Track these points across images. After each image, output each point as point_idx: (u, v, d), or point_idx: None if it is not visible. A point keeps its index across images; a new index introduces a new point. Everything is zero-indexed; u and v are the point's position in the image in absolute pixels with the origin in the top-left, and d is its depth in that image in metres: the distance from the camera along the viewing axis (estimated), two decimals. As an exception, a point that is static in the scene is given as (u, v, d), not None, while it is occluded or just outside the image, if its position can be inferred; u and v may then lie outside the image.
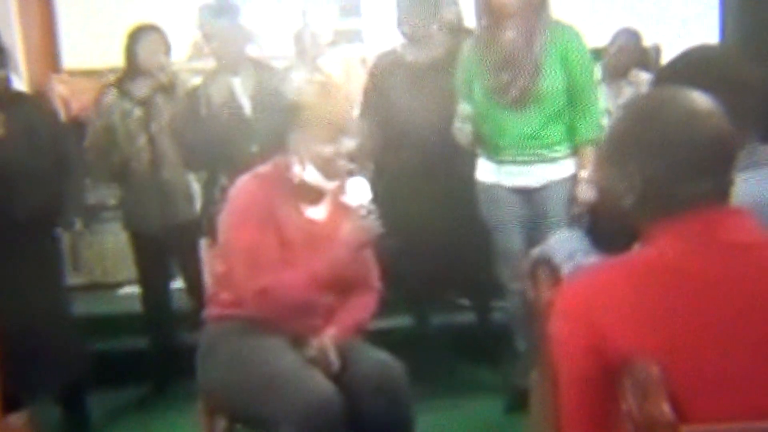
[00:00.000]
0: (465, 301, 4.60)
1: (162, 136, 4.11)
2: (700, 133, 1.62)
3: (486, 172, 3.77)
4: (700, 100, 1.66)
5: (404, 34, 4.21)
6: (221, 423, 2.84)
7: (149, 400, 4.24)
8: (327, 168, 2.80)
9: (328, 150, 2.77)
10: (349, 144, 2.81)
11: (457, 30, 4.71)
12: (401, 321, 4.39)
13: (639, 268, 1.64)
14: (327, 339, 2.75)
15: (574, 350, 1.65)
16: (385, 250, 3.78)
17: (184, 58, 6.30)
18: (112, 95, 4.14)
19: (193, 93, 4.02)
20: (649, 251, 1.66)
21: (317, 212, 2.89)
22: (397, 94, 4.16)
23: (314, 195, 2.87)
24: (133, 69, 4.14)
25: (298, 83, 2.91)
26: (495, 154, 3.71)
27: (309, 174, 2.80)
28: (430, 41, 4.18)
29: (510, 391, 3.82)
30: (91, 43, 6.37)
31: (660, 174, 1.63)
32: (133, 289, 4.73)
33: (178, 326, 4.30)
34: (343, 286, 2.86)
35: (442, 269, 4.19)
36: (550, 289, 2.20)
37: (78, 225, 3.94)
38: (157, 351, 4.33)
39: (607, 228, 2.14)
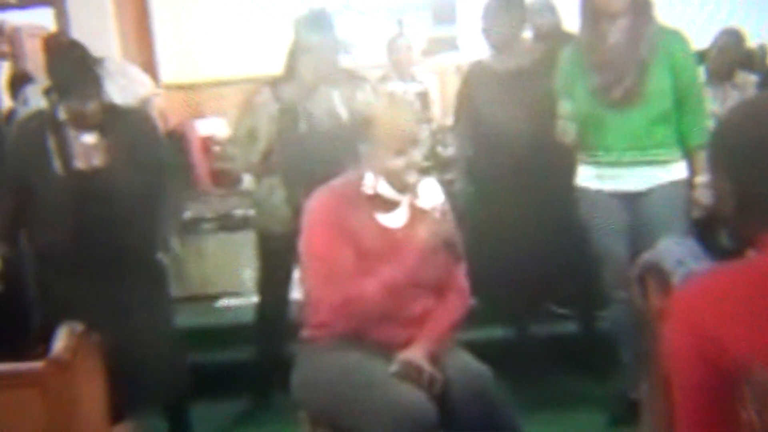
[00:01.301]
0: (565, 311, 4.56)
1: (310, 140, 4.07)
2: None
3: (586, 177, 3.74)
4: None
5: (490, 43, 4.24)
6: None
7: (253, 413, 4.29)
8: (397, 180, 2.85)
9: (398, 162, 2.82)
10: (417, 156, 2.86)
11: (551, 36, 4.74)
12: (501, 332, 4.40)
13: (754, 275, 1.61)
14: (414, 353, 2.75)
15: (688, 358, 1.62)
16: (483, 258, 3.83)
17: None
18: (265, 95, 4.17)
19: (291, 108, 4.04)
20: (763, 257, 1.63)
21: (393, 219, 2.92)
22: (487, 104, 4.20)
23: (390, 203, 2.91)
24: (290, 77, 4.10)
25: (367, 97, 2.96)
26: (597, 156, 3.68)
27: (381, 187, 2.86)
28: (518, 49, 4.20)
29: (615, 403, 3.77)
30: (186, 58, 6.55)
31: (762, 181, 1.60)
32: (231, 302, 4.82)
33: (289, 338, 4.33)
34: (430, 290, 2.88)
35: (540, 278, 4.17)
36: (660, 296, 2.19)
37: (176, 248, 3.89)
38: (264, 362, 4.35)
39: (722, 234, 2.12)
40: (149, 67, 6.63)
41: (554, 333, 4.51)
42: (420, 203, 2.91)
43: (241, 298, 5.01)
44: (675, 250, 2.20)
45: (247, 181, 4.86)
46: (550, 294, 4.43)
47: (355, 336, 2.81)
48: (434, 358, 2.78)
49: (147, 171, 3.63)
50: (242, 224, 5.16)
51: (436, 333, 2.85)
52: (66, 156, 3.53)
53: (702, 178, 3.52)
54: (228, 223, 5.49)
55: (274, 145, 4.07)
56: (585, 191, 3.75)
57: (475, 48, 6.40)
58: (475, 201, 4.38)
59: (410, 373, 2.71)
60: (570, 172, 3.86)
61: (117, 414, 2.74)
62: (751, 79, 4.80)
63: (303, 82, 3.99)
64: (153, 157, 3.71)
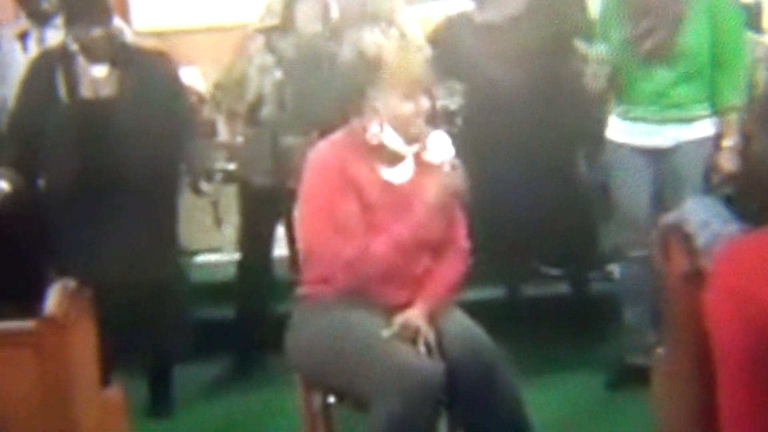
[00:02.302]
0: (557, 271, 4.52)
1: (294, 101, 4.06)
2: None
3: (615, 130, 3.72)
4: None
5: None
6: (318, 398, 2.84)
7: (240, 374, 4.25)
8: (406, 128, 2.78)
9: (407, 107, 2.75)
10: (427, 103, 2.79)
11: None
12: (491, 293, 4.34)
13: None
14: (413, 314, 2.72)
15: (730, 322, 1.60)
16: (473, 215, 3.79)
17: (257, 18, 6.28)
18: (258, 44, 4.09)
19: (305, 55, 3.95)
20: None
21: (399, 174, 2.86)
22: (473, 56, 4.09)
23: (394, 156, 2.84)
24: (287, 28, 4.06)
25: (377, 38, 2.88)
26: (624, 109, 3.66)
27: (387, 136, 2.78)
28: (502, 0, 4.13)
29: (612, 366, 3.77)
30: (159, 3, 6.38)
31: None
32: (210, 258, 4.75)
33: (272, 296, 4.28)
34: (431, 249, 2.84)
35: (533, 236, 4.11)
36: (683, 258, 2.15)
37: (208, 188, 3.93)
38: (247, 322, 4.31)
39: (756, 197, 2.08)
40: (122, 13, 6.48)
41: (546, 294, 4.48)
42: (428, 157, 2.84)
43: (220, 254, 4.92)
44: (700, 211, 2.15)
45: (224, 132, 4.75)
46: (543, 253, 4.36)
47: (356, 294, 2.76)
48: (433, 319, 2.75)
49: (160, 110, 3.63)
50: (220, 178, 5.06)
51: (436, 294, 2.82)
52: (72, 85, 3.57)
53: (730, 141, 3.49)
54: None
55: (266, 95, 3.99)
56: (611, 143, 3.74)
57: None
58: (465, 154, 4.31)
59: (408, 335, 2.68)
60: (565, 126, 3.82)
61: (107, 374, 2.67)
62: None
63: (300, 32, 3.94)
64: (167, 97, 3.72)
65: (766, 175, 1.72)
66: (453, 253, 2.91)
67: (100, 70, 3.58)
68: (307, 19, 4.01)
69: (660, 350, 2.34)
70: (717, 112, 3.55)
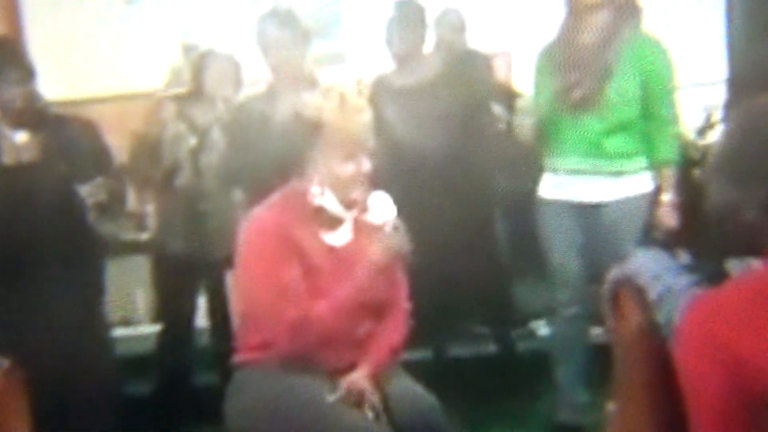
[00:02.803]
0: (484, 330, 4.52)
1: (210, 168, 4.03)
2: None
3: (545, 186, 3.70)
4: None
5: (393, 56, 4.21)
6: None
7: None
8: (346, 190, 2.76)
9: (348, 169, 2.73)
10: (367, 166, 2.77)
11: (455, 49, 4.75)
12: (417, 354, 4.28)
13: None
14: (358, 378, 2.70)
15: (709, 379, 1.58)
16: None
17: (162, 85, 6.22)
18: (169, 113, 4.03)
19: (248, 113, 3.89)
20: None
21: (339, 237, 2.83)
22: (392, 119, 4.14)
23: (335, 219, 2.81)
24: (197, 93, 4.06)
25: (316, 98, 2.85)
26: (555, 163, 3.65)
27: (327, 199, 2.76)
28: (420, 62, 4.18)
29: (545, 426, 3.78)
30: (61, 73, 6.26)
31: None
32: (123, 331, 4.62)
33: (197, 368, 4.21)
34: (373, 311, 2.82)
35: (457, 296, 4.12)
36: (636, 312, 2.15)
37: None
38: (171, 395, 4.17)
39: (707, 249, 2.10)
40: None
41: (473, 354, 4.47)
42: (370, 218, 2.83)
43: (134, 327, 4.78)
44: (651, 264, 2.15)
45: (133, 201, 4.67)
46: (467, 312, 4.36)
47: (299, 358, 2.70)
48: (378, 382, 2.72)
49: (85, 176, 3.53)
50: (130, 249, 4.95)
51: (380, 356, 2.79)
52: None
53: (668, 196, 3.50)
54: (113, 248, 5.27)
55: (181, 162, 3.92)
56: (542, 201, 3.72)
57: (363, 62, 6.40)
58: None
59: (354, 399, 2.65)
60: (482, 186, 3.84)
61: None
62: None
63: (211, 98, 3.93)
64: (93, 164, 3.62)
65: (721, 226, 1.72)
66: (395, 315, 2.89)
67: (21, 136, 3.49)
68: (218, 84, 4.02)
69: (610, 405, 2.32)
70: (651, 166, 3.55)
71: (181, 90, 4.23)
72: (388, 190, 4.13)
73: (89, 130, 3.79)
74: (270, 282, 2.69)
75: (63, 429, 3.19)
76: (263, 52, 3.83)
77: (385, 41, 4.28)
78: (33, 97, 3.55)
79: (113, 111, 5.25)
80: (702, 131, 4.73)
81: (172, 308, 4.22)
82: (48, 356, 3.19)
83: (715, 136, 4.75)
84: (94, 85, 6.01)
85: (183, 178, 4.02)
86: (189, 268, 4.04)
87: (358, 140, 2.76)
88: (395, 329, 2.88)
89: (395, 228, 2.81)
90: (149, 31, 6.53)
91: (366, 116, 2.78)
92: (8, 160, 3.48)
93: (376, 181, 4.18)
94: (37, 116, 3.55)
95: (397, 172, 4.09)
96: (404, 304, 2.93)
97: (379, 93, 4.24)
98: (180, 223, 4.08)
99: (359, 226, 2.84)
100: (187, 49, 6.91)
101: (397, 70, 4.26)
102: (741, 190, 1.64)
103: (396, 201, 4.06)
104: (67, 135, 3.59)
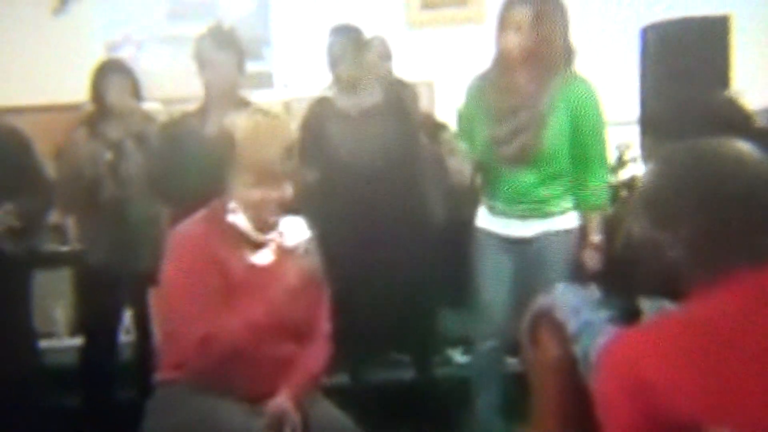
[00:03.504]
0: (403, 357, 4.55)
1: (131, 180, 4.01)
2: (755, 183, 1.62)
3: (480, 218, 3.68)
4: (745, 147, 1.66)
5: (341, 82, 4.25)
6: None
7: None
8: (257, 213, 2.77)
9: (255, 194, 2.73)
10: (278, 192, 2.75)
11: (386, 79, 4.81)
12: (334, 379, 4.29)
13: (697, 326, 1.60)
14: (279, 403, 2.67)
15: (624, 411, 1.61)
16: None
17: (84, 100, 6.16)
18: (81, 133, 4.00)
19: (179, 129, 3.88)
20: (703, 308, 1.64)
21: (261, 257, 2.83)
22: (335, 142, 4.19)
23: (257, 239, 2.82)
24: (101, 109, 4.05)
25: (239, 119, 2.85)
26: (490, 204, 3.62)
27: (239, 219, 2.78)
28: (365, 89, 4.24)
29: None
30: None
31: (714, 228, 1.62)
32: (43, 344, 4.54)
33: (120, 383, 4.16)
34: (292, 335, 2.80)
35: (379, 321, 4.13)
36: (553, 346, 2.21)
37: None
38: (92, 410, 4.13)
39: (619, 284, 2.17)
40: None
41: (391, 379, 4.48)
42: (284, 241, 2.82)
43: (54, 340, 4.71)
44: (570, 298, 2.21)
45: (54, 214, 4.61)
46: (389, 339, 4.39)
47: (213, 379, 2.67)
48: (299, 407, 2.70)
49: (11, 186, 3.52)
50: (50, 261, 4.89)
51: (300, 381, 2.77)
52: None
53: (594, 239, 3.48)
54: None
55: (100, 177, 3.91)
56: (477, 231, 3.68)
57: (291, 84, 6.43)
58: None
59: (275, 425, 2.64)
60: (418, 215, 3.86)
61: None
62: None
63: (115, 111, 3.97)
64: (19, 174, 3.59)
65: (643, 265, 1.79)
66: (316, 340, 2.88)
67: None
68: (118, 96, 4.04)
69: (527, 435, 2.38)
70: (579, 210, 3.53)
71: (89, 110, 4.19)
72: (325, 207, 4.20)
73: (17, 139, 3.76)
74: (186, 296, 2.68)
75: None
76: (199, 69, 3.84)
77: (329, 65, 4.30)
78: None
79: (39, 121, 5.17)
80: (614, 169, 4.84)
81: (94, 321, 4.17)
82: None
83: (626, 174, 4.88)
84: (20, 94, 5.90)
85: (104, 192, 3.99)
86: (112, 280, 4.02)
87: (268, 167, 2.73)
88: (316, 354, 2.86)
89: (307, 251, 2.79)
90: (75, 42, 6.45)
91: (281, 143, 2.75)
92: None
93: (310, 199, 4.26)
94: None
95: (335, 191, 4.15)
96: (325, 329, 2.92)
97: (322, 114, 4.28)
98: (103, 235, 4.06)
99: (279, 249, 2.84)
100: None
101: (341, 93, 4.28)
102: (664, 231, 1.69)
103: (333, 222, 4.13)
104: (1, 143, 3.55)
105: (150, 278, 3.56)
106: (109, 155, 4.00)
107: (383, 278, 4.07)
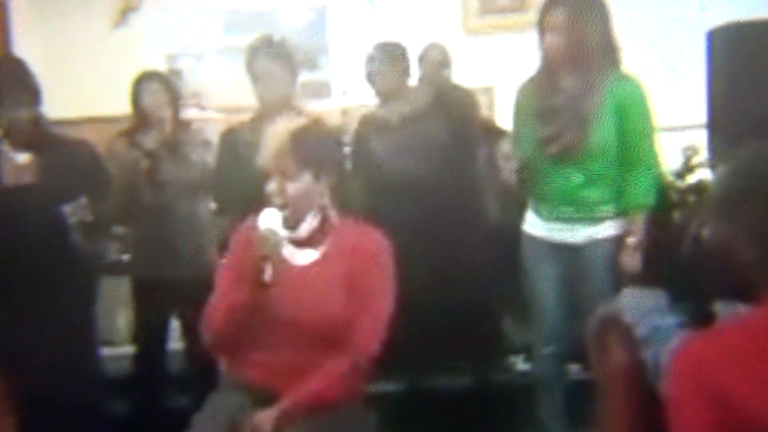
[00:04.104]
0: (462, 364, 4.50)
1: (168, 188, 4.03)
2: None
3: (528, 223, 3.67)
4: None
5: (375, 91, 4.27)
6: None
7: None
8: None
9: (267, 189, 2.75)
10: (274, 187, 2.74)
11: (439, 83, 4.80)
12: (393, 385, 4.29)
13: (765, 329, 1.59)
14: (265, 418, 2.60)
15: (696, 416, 1.60)
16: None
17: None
18: (120, 144, 4.07)
19: (234, 140, 3.90)
20: None
21: (301, 256, 2.81)
22: (380, 154, 4.21)
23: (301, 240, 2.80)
24: (140, 119, 4.10)
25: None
26: (537, 206, 3.61)
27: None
28: (404, 97, 4.23)
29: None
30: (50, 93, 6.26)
31: None
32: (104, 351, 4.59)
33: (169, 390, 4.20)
34: (316, 342, 2.69)
35: (438, 328, 4.08)
36: (621, 351, 2.17)
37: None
38: (143, 418, 4.15)
39: (689, 288, 2.13)
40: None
41: (450, 387, 4.43)
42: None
43: (115, 348, 4.75)
44: (638, 303, 2.18)
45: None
46: (448, 346, 4.34)
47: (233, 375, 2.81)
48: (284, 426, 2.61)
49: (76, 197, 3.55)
50: (113, 269, 4.94)
51: (301, 398, 2.65)
52: None
53: (634, 240, 3.44)
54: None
55: (139, 187, 3.97)
56: (527, 237, 3.67)
57: (348, 94, 6.44)
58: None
59: None
60: (468, 218, 3.84)
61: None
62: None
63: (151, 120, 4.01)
64: (89, 185, 3.64)
65: (716, 267, 1.75)
66: (345, 352, 2.70)
67: (22, 157, 3.47)
68: (154, 107, 4.06)
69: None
70: (622, 211, 3.48)
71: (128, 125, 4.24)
72: (374, 221, 4.19)
73: (87, 152, 3.82)
74: (225, 285, 2.79)
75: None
76: (252, 81, 3.84)
77: (366, 79, 4.32)
78: (38, 119, 3.56)
79: (100, 132, 5.23)
80: (681, 174, 4.77)
81: (142, 329, 4.22)
82: (37, 372, 3.16)
83: (694, 178, 4.80)
84: (82, 106, 6.00)
85: (143, 201, 4.03)
86: (156, 288, 4.06)
87: (265, 162, 2.75)
88: (325, 375, 2.68)
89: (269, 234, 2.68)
90: (135, 54, 6.53)
91: (280, 141, 2.74)
92: (9, 180, 3.47)
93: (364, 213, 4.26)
94: (40, 138, 3.56)
95: (383, 204, 4.13)
96: (361, 342, 2.73)
97: (366, 129, 4.30)
98: (145, 244, 4.12)
99: (328, 251, 2.82)
100: (172, 74, 6.95)
101: (381, 105, 4.30)
102: (738, 232, 1.67)
103: (384, 232, 4.11)
104: (66, 156, 3.60)
105: (193, 285, 3.62)
106: (145, 163, 4.02)
107: (441, 285, 4.01)
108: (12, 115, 3.46)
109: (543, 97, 3.48)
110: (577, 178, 3.45)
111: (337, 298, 2.72)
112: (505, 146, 3.64)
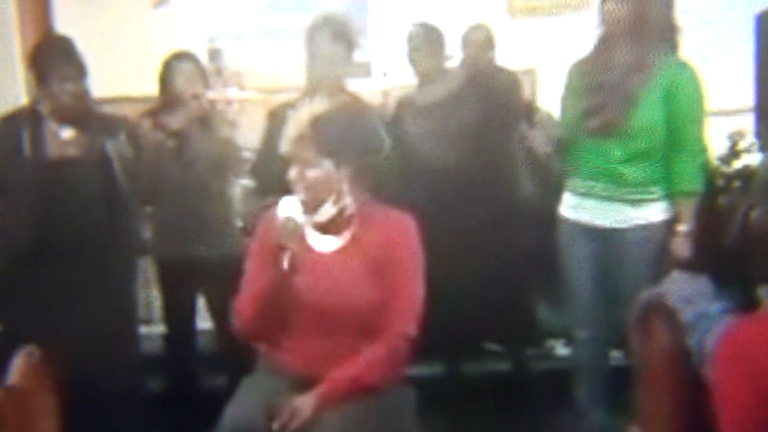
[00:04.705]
0: (497, 347, 4.49)
1: (196, 166, 4.04)
2: None
3: (565, 206, 3.65)
4: None
5: (415, 72, 4.25)
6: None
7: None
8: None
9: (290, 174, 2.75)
10: (294, 173, 2.73)
11: (481, 65, 4.77)
12: (429, 369, 4.27)
13: None
14: (304, 405, 2.59)
15: (742, 401, 1.60)
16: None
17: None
18: (145, 124, 4.07)
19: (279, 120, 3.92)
20: None
21: (327, 243, 2.81)
22: (416, 136, 4.17)
23: (325, 225, 2.80)
24: (167, 99, 4.10)
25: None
26: (576, 184, 3.60)
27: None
28: (442, 78, 4.21)
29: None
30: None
31: None
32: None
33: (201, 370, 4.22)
34: (349, 326, 2.70)
35: (475, 312, 4.04)
36: (666, 336, 2.15)
37: None
38: (177, 396, 4.17)
39: (735, 273, 2.10)
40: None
41: (487, 371, 4.41)
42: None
43: (152, 326, 4.78)
44: (683, 288, 2.16)
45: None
46: (485, 331, 4.33)
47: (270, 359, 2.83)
48: (323, 410, 2.60)
49: (122, 174, 3.58)
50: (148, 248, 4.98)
51: (337, 383, 2.64)
52: (38, 146, 3.49)
53: (686, 227, 3.41)
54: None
55: (166, 166, 3.94)
56: (562, 220, 3.66)
57: (389, 75, 6.43)
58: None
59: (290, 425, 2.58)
60: (506, 201, 3.82)
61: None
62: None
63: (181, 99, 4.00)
64: (130, 163, 3.62)
65: (763, 250, 1.73)
66: (382, 339, 2.70)
67: (67, 132, 3.53)
68: (186, 86, 4.04)
69: (633, 429, 2.31)
70: (670, 195, 3.46)
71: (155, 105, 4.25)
72: (412, 204, 4.18)
73: (131, 129, 3.79)
74: (254, 269, 2.82)
75: (88, 422, 3.18)
76: (309, 58, 3.83)
77: (408, 60, 4.31)
78: (83, 95, 3.57)
79: (138, 112, 5.28)
80: (727, 159, 4.72)
81: (171, 309, 4.24)
82: (77, 348, 3.17)
83: (740, 163, 4.75)
84: (122, 85, 6.04)
85: (169, 181, 3.98)
86: (183, 269, 4.07)
87: (286, 148, 2.76)
88: (371, 358, 2.68)
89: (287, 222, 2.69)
90: (175, 34, 6.56)
91: (299, 126, 2.74)
92: (53, 154, 3.52)
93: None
94: (84, 113, 3.58)
95: (417, 187, 4.11)
96: (400, 330, 2.73)
97: (401, 111, 4.29)
98: (171, 224, 4.09)
99: (355, 236, 2.81)
100: (213, 54, 6.98)
101: (420, 87, 4.28)
102: None
103: (422, 216, 4.10)
104: (111, 133, 3.61)
105: (220, 265, 3.60)
106: (172, 143, 4.03)
107: (477, 267, 3.99)
108: (58, 90, 3.47)
109: (593, 73, 3.48)
110: (618, 154, 3.42)
111: (364, 285, 2.72)
112: (546, 128, 3.60)
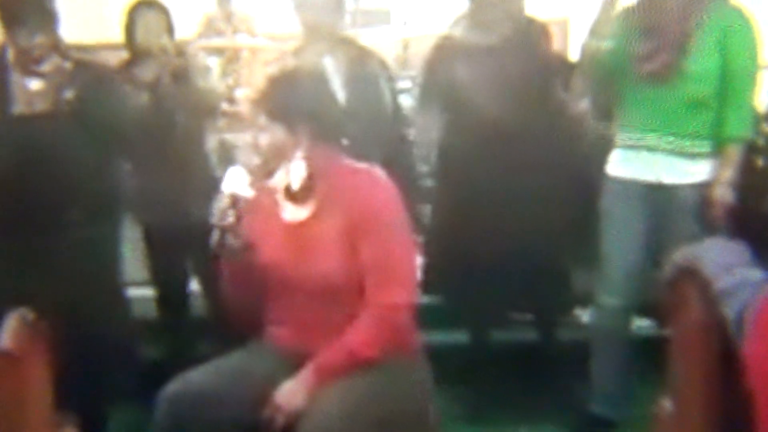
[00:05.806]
0: (526, 317, 4.43)
1: (174, 121, 4.01)
2: None
3: (612, 162, 3.66)
4: None
5: (475, 20, 4.14)
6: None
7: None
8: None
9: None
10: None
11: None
12: (458, 337, 4.26)
13: None
14: (293, 392, 2.60)
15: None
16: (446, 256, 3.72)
17: (194, 35, 6.21)
18: (115, 80, 4.00)
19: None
20: None
21: (295, 212, 2.78)
22: (460, 82, 4.04)
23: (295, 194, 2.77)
24: (134, 51, 4.08)
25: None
26: (626, 136, 3.60)
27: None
28: (496, 25, 4.13)
29: (578, 417, 3.80)
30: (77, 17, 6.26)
31: None
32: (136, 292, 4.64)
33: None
34: (328, 297, 2.68)
35: (502, 280, 3.95)
36: (699, 304, 2.11)
37: None
38: (174, 361, 4.16)
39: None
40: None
41: (511, 340, 4.39)
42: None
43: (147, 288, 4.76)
44: (720, 254, 2.11)
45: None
46: (517, 299, 4.24)
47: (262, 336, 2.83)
48: (314, 391, 2.60)
49: (97, 128, 3.46)
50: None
51: (333, 356, 2.63)
52: (5, 99, 3.38)
53: (729, 174, 3.44)
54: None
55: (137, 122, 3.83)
56: (608, 178, 3.67)
57: (409, 22, 6.38)
58: (441, 190, 4.29)
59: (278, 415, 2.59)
60: (554, 163, 3.81)
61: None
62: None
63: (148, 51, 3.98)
64: (106, 116, 3.52)
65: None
66: (365, 310, 2.67)
67: (35, 84, 3.41)
68: (149, 36, 4.04)
69: (664, 402, 2.28)
70: (719, 143, 3.49)
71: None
72: (450, 157, 4.11)
73: (108, 79, 3.73)
74: None
75: (81, 389, 3.18)
76: (295, 8, 3.83)
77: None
78: (53, 45, 3.43)
79: (119, 59, 5.22)
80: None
81: (160, 273, 4.29)
82: (64, 311, 3.08)
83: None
84: (105, 31, 5.98)
85: (144, 137, 3.86)
86: (168, 232, 4.06)
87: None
88: (357, 331, 2.65)
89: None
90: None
91: (260, 87, 2.73)
92: (21, 109, 3.40)
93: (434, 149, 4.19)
94: (56, 64, 3.45)
95: (463, 133, 4.08)
96: (386, 302, 2.66)
97: (449, 52, 4.16)
98: (154, 182, 4.02)
99: (320, 206, 2.76)
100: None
101: (471, 29, 4.15)
102: None
103: (459, 171, 4.03)
104: (84, 83, 3.48)
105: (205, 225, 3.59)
106: (145, 97, 3.99)
107: (509, 229, 3.91)
108: (27, 43, 3.35)
109: (645, 15, 3.52)
110: (672, 100, 3.45)
111: (338, 252, 2.67)
112: (578, 82, 3.56)
